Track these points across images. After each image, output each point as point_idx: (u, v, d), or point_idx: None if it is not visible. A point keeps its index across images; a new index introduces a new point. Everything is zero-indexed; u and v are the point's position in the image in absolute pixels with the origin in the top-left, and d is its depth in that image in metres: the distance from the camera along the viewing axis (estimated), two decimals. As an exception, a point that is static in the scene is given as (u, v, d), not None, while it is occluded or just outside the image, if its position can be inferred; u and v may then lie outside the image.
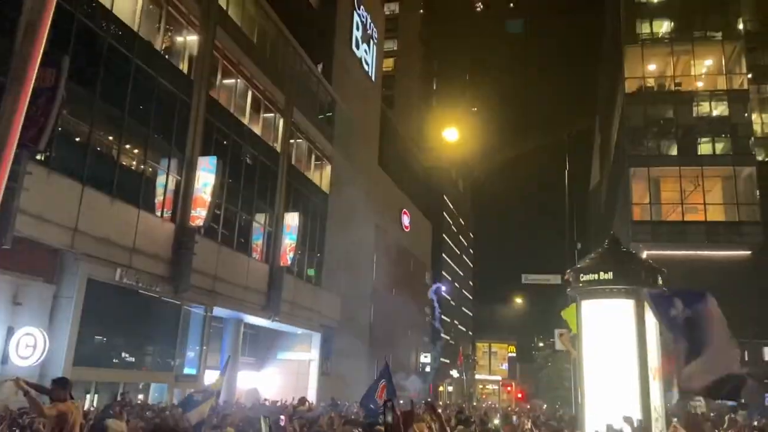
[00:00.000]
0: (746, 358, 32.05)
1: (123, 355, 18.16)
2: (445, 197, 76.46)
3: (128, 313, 17.84)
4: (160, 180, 19.13)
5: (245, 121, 24.45)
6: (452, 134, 61.43)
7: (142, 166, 18.30)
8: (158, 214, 18.80)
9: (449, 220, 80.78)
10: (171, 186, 19.36)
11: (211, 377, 18.65)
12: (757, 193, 32.14)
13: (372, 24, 41.56)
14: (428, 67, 74.81)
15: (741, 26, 35.27)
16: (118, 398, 15.38)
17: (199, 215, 19.38)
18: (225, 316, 23.68)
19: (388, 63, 62.17)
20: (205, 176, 19.70)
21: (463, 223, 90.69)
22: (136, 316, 18.21)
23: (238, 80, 24.20)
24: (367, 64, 40.73)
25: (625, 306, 10.98)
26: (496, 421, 13.83)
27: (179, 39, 20.60)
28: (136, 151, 18.30)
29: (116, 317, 17.44)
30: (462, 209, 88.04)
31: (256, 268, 24.64)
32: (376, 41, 42.82)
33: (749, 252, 31.39)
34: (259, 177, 25.10)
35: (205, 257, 20.41)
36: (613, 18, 40.78)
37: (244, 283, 23.28)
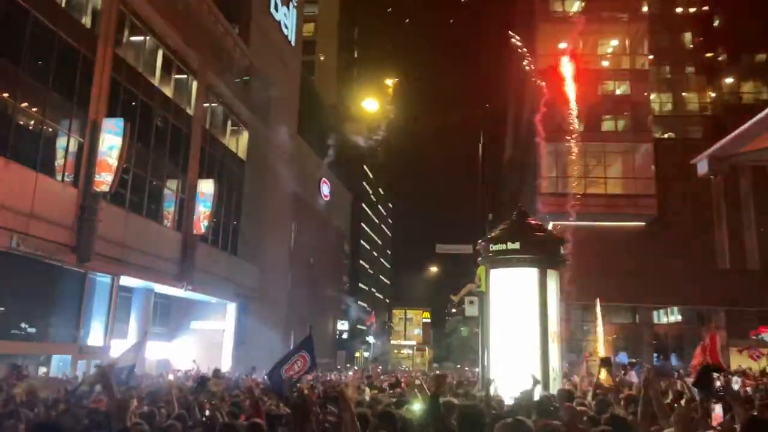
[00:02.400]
0: (637, 320, 34.73)
1: (22, 326, 17.26)
2: (365, 167, 76.71)
3: (27, 283, 16.91)
4: (61, 142, 18.08)
5: (155, 82, 23.37)
6: (372, 104, 61.34)
7: (41, 127, 17.20)
8: (59, 178, 17.79)
9: (369, 189, 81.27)
10: (73, 149, 18.33)
11: (118, 349, 18.09)
12: (653, 168, 34.34)
13: (291, -8, 40.50)
14: (350, 33, 73.90)
15: (645, 9, 37.06)
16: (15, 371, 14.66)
17: (104, 180, 18.48)
18: (135, 285, 22.91)
19: (309, 28, 60.83)
20: (111, 139, 18.74)
21: (382, 192, 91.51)
22: (36, 286, 17.31)
23: (148, 38, 23.01)
24: (287, 27, 39.75)
25: (530, 274, 11.58)
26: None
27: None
28: (33, 110, 17.14)
29: (13, 287, 16.50)
30: (381, 179, 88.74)
31: (168, 236, 23.92)
32: (295, 4, 41.79)
33: (644, 223, 33.64)
34: (171, 141, 24.17)
35: (112, 224, 19.58)
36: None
37: (154, 251, 22.55)
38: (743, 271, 31.98)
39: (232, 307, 29.88)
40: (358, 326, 70.12)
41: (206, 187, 26.06)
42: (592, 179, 35.23)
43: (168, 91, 24.28)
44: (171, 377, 16.05)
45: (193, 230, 25.33)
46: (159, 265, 22.91)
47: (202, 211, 25.76)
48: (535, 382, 7.72)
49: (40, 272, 17.20)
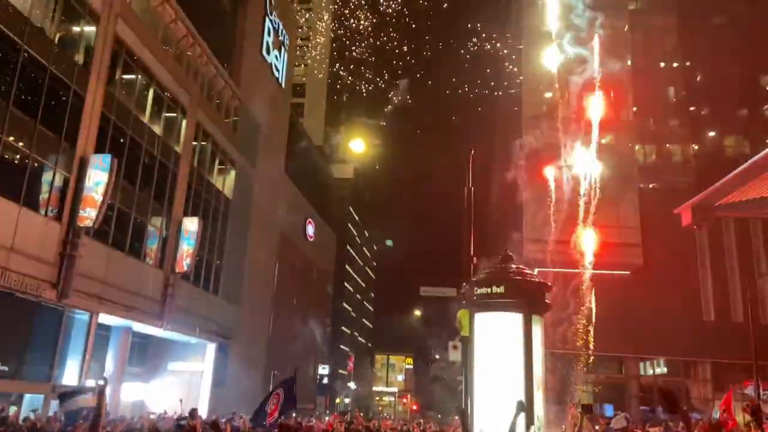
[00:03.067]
0: (623, 372, 34.48)
1: (-7, 363, 16.71)
2: (350, 208, 76.85)
3: (1, 318, 16.45)
4: (47, 176, 17.89)
5: (145, 119, 23.41)
6: (359, 145, 62.00)
7: (27, 161, 17.03)
8: (42, 212, 17.55)
9: (354, 231, 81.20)
10: (58, 183, 18.15)
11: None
12: (638, 218, 34.73)
13: (284, 31, 41.21)
14: (340, 78, 75.18)
15: (629, 62, 38.02)
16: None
17: (88, 216, 18.26)
18: (112, 323, 22.41)
19: (300, 71, 61.83)
20: (98, 175, 18.61)
21: (367, 234, 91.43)
22: (10, 321, 16.83)
23: (140, 76, 23.16)
24: (278, 70, 40.29)
25: (515, 319, 11.50)
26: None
27: (76, 28, 19.44)
28: (19, 143, 17.01)
29: (-13, 322, 16.05)
30: (367, 221, 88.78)
31: (150, 274, 23.55)
32: (287, 48, 42.48)
33: (629, 272, 33.81)
34: (158, 179, 24.06)
35: (94, 260, 19.27)
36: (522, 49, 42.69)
37: (135, 289, 22.16)
38: (728, 322, 32.07)
39: (211, 348, 29.27)
40: (339, 371, 68.95)
41: (190, 225, 25.85)
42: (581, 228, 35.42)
43: (157, 129, 24.31)
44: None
45: (176, 268, 25.00)
46: (139, 303, 22.49)
47: (185, 249, 25.49)
48: (521, 408, 7.47)
49: (17, 307, 16.75)
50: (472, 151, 16.45)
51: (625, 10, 38.86)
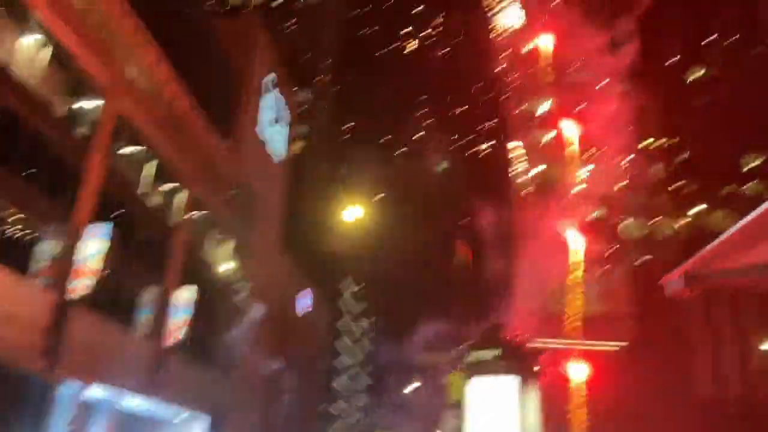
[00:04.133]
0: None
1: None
2: (347, 281, 76.43)
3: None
4: (42, 245, 18.04)
5: (144, 190, 23.84)
6: (356, 217, 62.51)
7: (23, 229, 17.23)
8: (35, 281, 17.57)
9: (348, 305, 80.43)
10: (54, 252, 18.27)
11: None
12: (631, 290, 34.78)
13: (285, 106, 42.55)
14: (338, 152, 76.76)
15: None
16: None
17: (81, 286, 18.26)
18: (99, 397, 21.89)
19: (298, 145, 63.24)
20: (94, 245, 18.76)
21: (362, 309, 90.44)
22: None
23: (141, 148, 23.75)
24: (277, 144, 41.31)
25: (511, 383, 11.44)
26: None
27: (82, 103, 20.14)
28: (17, 212, 17.26)
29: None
30: (364, 293, 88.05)
31: (141, 346, 23.26)
32: (287, 123, 43.69)
33: (622, 345, 33.50)
34: (153, 250, 24.23)
35: (85, 331, 19.10)
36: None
37: (125, 360, 21.80)
38: (723, 399, 31.47)
39: (202, 424, 28.44)
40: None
41: (183, 297, 25.75)
42: (571, 297, 35.46)
43: (155, 200, 24.70)
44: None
45: (167, 341, 24.70)
46: (129, 375, 22.07)
47: (178, 321, 25.27)
48: None
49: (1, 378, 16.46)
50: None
51: (614, 92, 40.46)
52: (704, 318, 33.19)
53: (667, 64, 43.02)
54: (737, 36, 44.33)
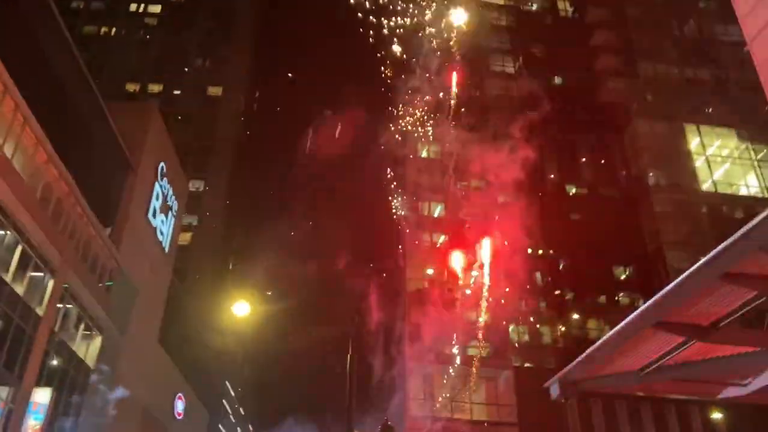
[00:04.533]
0: None
1: None
2: (227, 383, 72.27)
3: None
4: None
5: (7, 278, 21.75)
6: (242, 310, 60.27)
7: None
8: None
9: (228, 408, 75.69)
10: None
11: None
12: (514, 396, 35.49)
13: (173, 197, 41.35)
14: (226, 245, 74.86)
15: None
16: None
17: None
18: None
19: (185, 237, 61.09)
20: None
21: (243, 413, 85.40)
22: None
23: (8, 232, 21.92)
24: (162, 234, 39.66)
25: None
26: None
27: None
28: None
29: None
30: (244, 396, 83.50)
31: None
32: (175, 214, 42.32)
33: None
34: (11, 343, 21.81)
35: None
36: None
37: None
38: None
39: None
40: None
41: (41, 396, 23.16)
42: (459, 404, 35.57)
43: (19, 288, 22.57)
44: None
45: (16, 449, 21.80)
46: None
47: (33, 424, 22.54)
48: None
49: None
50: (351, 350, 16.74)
51: (495, 206, 43.17)
52: (583, 423, 34.26)
53: (549, 178, 46.86)
54: (605, 160, 49.55)
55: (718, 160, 46.68)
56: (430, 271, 41.43)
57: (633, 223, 45.14)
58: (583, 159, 49.04)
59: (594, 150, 49.38)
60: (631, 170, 47.86)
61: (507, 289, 40.22)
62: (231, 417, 77.55)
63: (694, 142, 47.25)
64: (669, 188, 45.67)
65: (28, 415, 22.57)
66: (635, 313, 4.28)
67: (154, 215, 37.85)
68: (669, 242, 43.30)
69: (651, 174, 46.27)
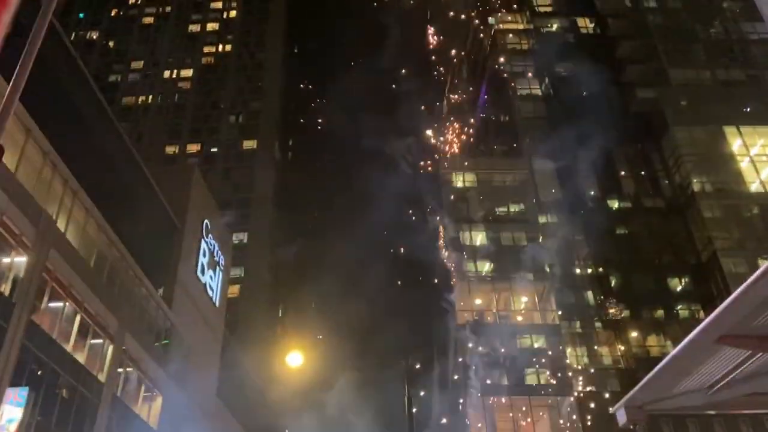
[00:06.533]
0: None
1: None
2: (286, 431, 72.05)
3: None
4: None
5: (68, 348, 22.45)
6: (296, 360, 60.38)
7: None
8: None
9: (291, 457, 75.19)
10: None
11: None
12: (579, 423, 34.36)
13: (219, 252, 42.24)
14: (274, 293, 75.67)
15: (547, 270, 40.82)
16: None
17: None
18: None
19: (234, 289, 62.06)
20: (11, 411, 17.22)
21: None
22: None
23: (67, 303, 22.71)
24: (212, 289, 40.41)
25: None
26: None
27: (5, 259, 19.40)
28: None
29: None
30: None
31: None
32: (222, 268, 43.15)
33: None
34: (76, 411, 22.34)
35: None
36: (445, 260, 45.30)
37: None
38: None
39: None
40: None
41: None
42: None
43: (81, 357, 23.23)
44: None
45: None
46: None
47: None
48: None
49: None
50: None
51: (537, 224, 42.63)
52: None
53: (590, 195, 46.15)
54: (645, 171, 48.61)
55: (764, 159, 45.29)
56: (478, 301, 40.99)
57: (682, 232, 43.95)
58: (623, 172, 48.23)
59: (633, 162, 48.57)
60: (674, 179, 46.79)
61: (559, 312, 39.40)
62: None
63: (736, 144, 46.04)
64: (716, 193, 44.41)
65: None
66: (696, 331, 4.20)
67: (202, 272, 38.67)
68: (723, 249, 41.90)
69: (695, 180, 45.13)
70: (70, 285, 22.40)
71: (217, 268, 41.95)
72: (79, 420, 22.52)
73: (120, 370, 26.53)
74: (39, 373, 20.19)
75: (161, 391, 30.39)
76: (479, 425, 35.01)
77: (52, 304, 21.82)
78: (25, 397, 17.48)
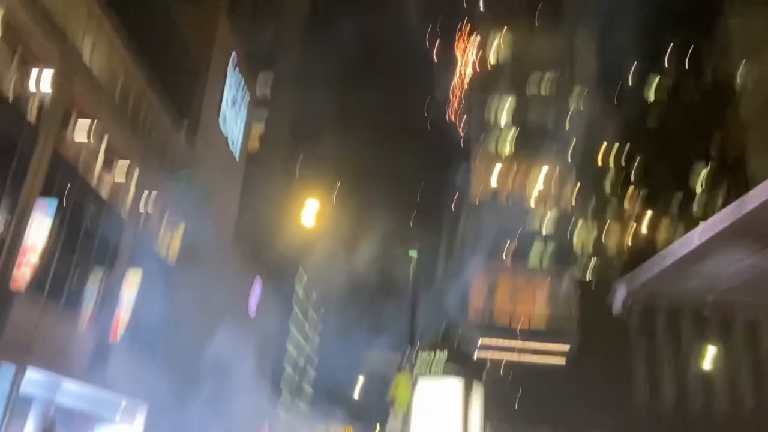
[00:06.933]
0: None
1: None
2: (300, 270, 75.96)
3: None
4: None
5: (93, 178, 23.16)
6: (311, 214, 62.14)
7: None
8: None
9: (300, 294, 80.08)
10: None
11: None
12: (576, 304, 35.81)
13: (243, 97, 41.98)
14: (294, 148, 76.06)
15: (570, 153, 40.39)
16: None
17: (23, 269, 17.68)
18: (34, 394, 21.20)
19: (254, 142, 62.36)
20: (39, 224, 18.23)
21: (315, 296, 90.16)
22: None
23: (92, 133, 23.06)
24: (233, 143, 40.78)
25: (456, 384, 11.70)
26: None
27: (30, 86, 19.41)
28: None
29: None
30: (316, 284, 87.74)
31: (84, 332, 22.62)
32: (245, 118, 43.14)
33: (566, 355, 34.45)
34: (100, 238, 23.54)
35: (24, 313, 18.46)
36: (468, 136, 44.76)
37: (67, 346, 21.19)
38: (658, 408, 32.90)
39: (142, 412, 27.96)
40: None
41: (131, 285, 25.20)
42: (520, 310, 36.30)
43: (105, 187, 24.03)
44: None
45: (111, 328, 24.11)
46: (69, 362, 21.44)
47: (123, 309, 24.73)
48: None
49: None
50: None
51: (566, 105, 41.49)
52: (643, 331, 34.54)
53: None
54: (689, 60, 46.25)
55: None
56: (495, 180, 41.07)
57: (715, 127, 42.61)
58: (666, 60, 45.86)
59: (679, 49, 46.00)
60: (718, 71, 44.51)
61: (575, 197, 39.56)
62: (303, 301, 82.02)
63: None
64: (758, 90, 42.33)
65: (119, 300, 24.72)
66: (714, 217, 4.15)
67: (224, 120, 38.74)
68: (754, 147, 40.90)
69: (739, 74, 42.92)
70: (94, 114, 22.59)
71: (239, 118, 41.91)
72: (103, 246, 23.79)
73: (141, 204, 27.54)
74: (63, 200, 20.99)
75: (181, 227, 31.71)
76: (481, 294, 36.57)
77: (77, 133, 22.17)
78: (53, 210, 18.33)
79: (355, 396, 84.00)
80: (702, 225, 4.24)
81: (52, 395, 21.93)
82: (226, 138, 39.40)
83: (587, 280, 38.49)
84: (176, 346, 31.43)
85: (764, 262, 4.75)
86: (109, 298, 24.20)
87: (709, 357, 35.46)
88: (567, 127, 40.41)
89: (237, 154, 41.88)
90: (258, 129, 62.82)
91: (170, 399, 30.25)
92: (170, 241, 31.07)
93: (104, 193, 24.01)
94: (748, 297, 5.23)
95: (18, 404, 19.53)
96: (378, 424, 70.63)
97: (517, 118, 41.52)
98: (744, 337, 34.95)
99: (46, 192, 19.46)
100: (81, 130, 22.30)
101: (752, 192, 3.80)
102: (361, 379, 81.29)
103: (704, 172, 42.77)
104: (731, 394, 34.16)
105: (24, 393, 19.90)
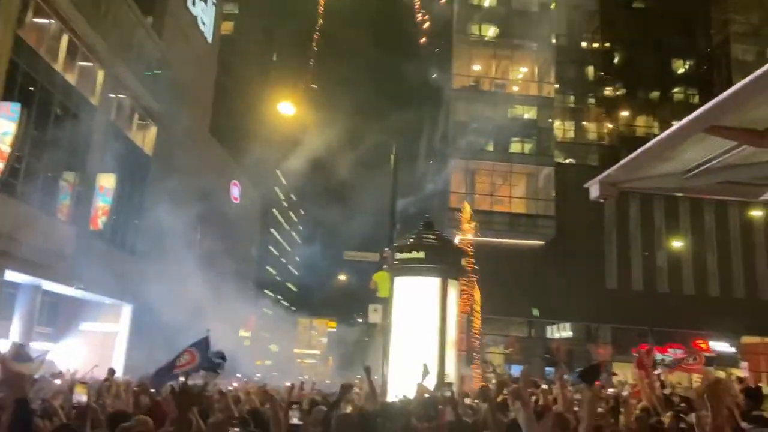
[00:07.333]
0: (532, 334, 36.46)
1: None
2: (278, 171, 75.76)
3: None
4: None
5: (58, 68, 22.12)
6: (288, 108, 60.77)
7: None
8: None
9: (281, 194, 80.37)
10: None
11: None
12: (553, 191, 36.31)
13: (212, -18, 39.61)
14: (269, 36, 73.01)
15: (553, 41, 39.27)
16: None
17: (-6, 168, 17.28)
18: (20, 281, 21.43)
19: (228, 26, 59.52)
20: (5, 124, 17.56)
21: (294, 198, 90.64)
22: None
23: (53, 21, 21.76)
24: (204, 24, 38.79)
25: (432, 283, 12.00)
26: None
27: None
28: None
29: None
30: (295, 184, 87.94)
31: (61, 231, 22.60)
32: (215, 1, 40.89)
33: (543, 242, 35.42)
34: (70, 131, 22.83)
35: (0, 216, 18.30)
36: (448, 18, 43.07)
37: (45, 245, 21.21)
38: (628, 291, 34.49)
39: (127, 309, 28.56)
40: (262, 333, 68.84)
41: (106, 181, 24.90)
42: (498, 197, 36.78)
43: (71, 79, 23.04)
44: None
45: (90, 226, 24.09)
46: (49, 261, 21.57)
47: (101, 206, 24.58)
48: (426, 372, 7.89)
49: None
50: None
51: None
52: (618, 218, 35.51)
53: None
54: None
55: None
56: (476, 67, 40.09)
57: (700, 13, 41.45)
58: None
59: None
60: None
61: (556, 85, 38.99)
62: (284, 202, 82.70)
63: None
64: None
65: (95, 197, 24.48)
66: (687, 118, 4.13)
67: (193, 3, 36.70)
68: (737, 33, 40.16)
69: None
70: (55, 2, 21.20)
71: (209, 1, 39.72)
72: (74, 139, 23.16)
73: (112, 95, 26.59)
74: (30, 89, 20.16)
75: (154, 121, 30.92)
76: (460, 187, 36.83)
77: (38, 20, 20.91)
78: (17, 112, 17.64)
79: (336, 294, 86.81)
80: (677, 124, 4.19)
81: (37, 284, 22.25)
82: (196, 35, 37.50)
83: (566, 163, 38.83)
84: (158, 242, 31.64)
85: (734, 158, 4.79)
86: (84, 198, 23.97)
87: (679, 240, 36.88)
88: (550, 16, 39.06)
89: (209, 37, 40.02)
90: (229, 25, 59.76)
91: (156, 298, 30.87)
92: (145, 138, 30.40)
93: (72, 86, 23.06)
94: (716, 182, 5.36)
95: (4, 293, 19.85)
96: (359, 319, 73.72)
97: (501, 5, 39.93)
98: (711, 221, 36.32)
99: (9, 81, 18.61)
100: (42, 16, 21.03)
101: (727, 92, 3.73)
102: (342, 278, 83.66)
103: (686, 62, 42.20)
104: (697, 275, 36.00)
105: (10, 280, 20.18)
